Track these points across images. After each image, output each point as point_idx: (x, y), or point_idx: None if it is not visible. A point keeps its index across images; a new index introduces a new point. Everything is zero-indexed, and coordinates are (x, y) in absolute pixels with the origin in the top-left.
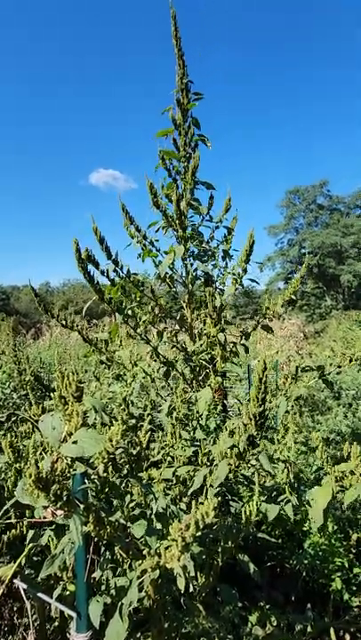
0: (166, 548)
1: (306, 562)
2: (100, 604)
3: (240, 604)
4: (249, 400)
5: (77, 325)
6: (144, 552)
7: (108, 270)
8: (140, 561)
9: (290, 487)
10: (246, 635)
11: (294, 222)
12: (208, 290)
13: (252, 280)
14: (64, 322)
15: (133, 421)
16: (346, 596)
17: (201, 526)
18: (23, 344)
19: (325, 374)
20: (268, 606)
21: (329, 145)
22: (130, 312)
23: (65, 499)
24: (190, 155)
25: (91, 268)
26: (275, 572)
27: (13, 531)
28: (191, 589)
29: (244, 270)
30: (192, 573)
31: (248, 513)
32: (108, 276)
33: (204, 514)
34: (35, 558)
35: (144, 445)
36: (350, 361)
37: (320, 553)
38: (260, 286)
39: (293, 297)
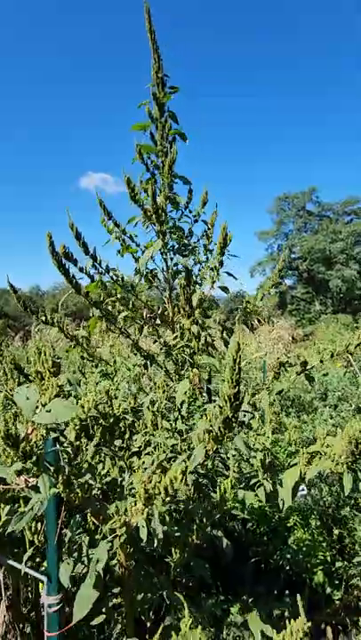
0: (134, 505)
1: (289, 556)
2: (70, 565)
3: (222, 598)
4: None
5: (57, 322)
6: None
7: (86, 267)
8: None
9: (263, 469)
10: (227, 624)
11: (284, 228)
12: (180, 282)
13: (229, 274)
14: (44, 318)
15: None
16: (328, 590)
17: (170, 492)
18: (10, 345)
19: (308, 369)
20: (250, 599)
21: (319, 152)
22: (109, 307)
23: (35, 458)
24: (167, 149)
25: (68, 263)
26: (259, 567)
27: None
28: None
29: (220, 263)
30: (158, 532)
31: (223, 490)
32: (86, 272)
33: (172, 478)
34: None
35: (118, 414)
36: (331, 356)
37: (304, 548)
38: (252, 290)
39: (272, 290)
